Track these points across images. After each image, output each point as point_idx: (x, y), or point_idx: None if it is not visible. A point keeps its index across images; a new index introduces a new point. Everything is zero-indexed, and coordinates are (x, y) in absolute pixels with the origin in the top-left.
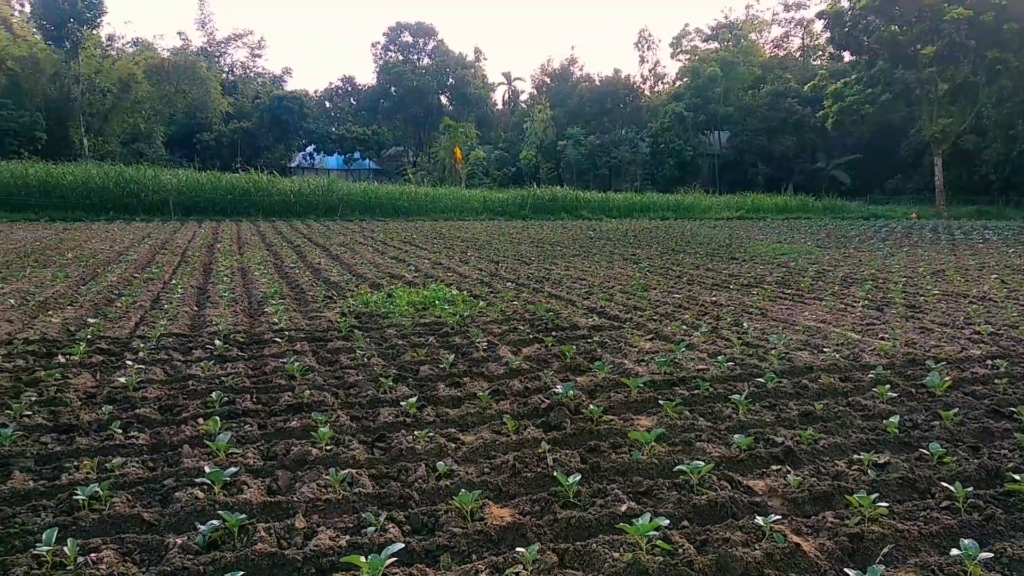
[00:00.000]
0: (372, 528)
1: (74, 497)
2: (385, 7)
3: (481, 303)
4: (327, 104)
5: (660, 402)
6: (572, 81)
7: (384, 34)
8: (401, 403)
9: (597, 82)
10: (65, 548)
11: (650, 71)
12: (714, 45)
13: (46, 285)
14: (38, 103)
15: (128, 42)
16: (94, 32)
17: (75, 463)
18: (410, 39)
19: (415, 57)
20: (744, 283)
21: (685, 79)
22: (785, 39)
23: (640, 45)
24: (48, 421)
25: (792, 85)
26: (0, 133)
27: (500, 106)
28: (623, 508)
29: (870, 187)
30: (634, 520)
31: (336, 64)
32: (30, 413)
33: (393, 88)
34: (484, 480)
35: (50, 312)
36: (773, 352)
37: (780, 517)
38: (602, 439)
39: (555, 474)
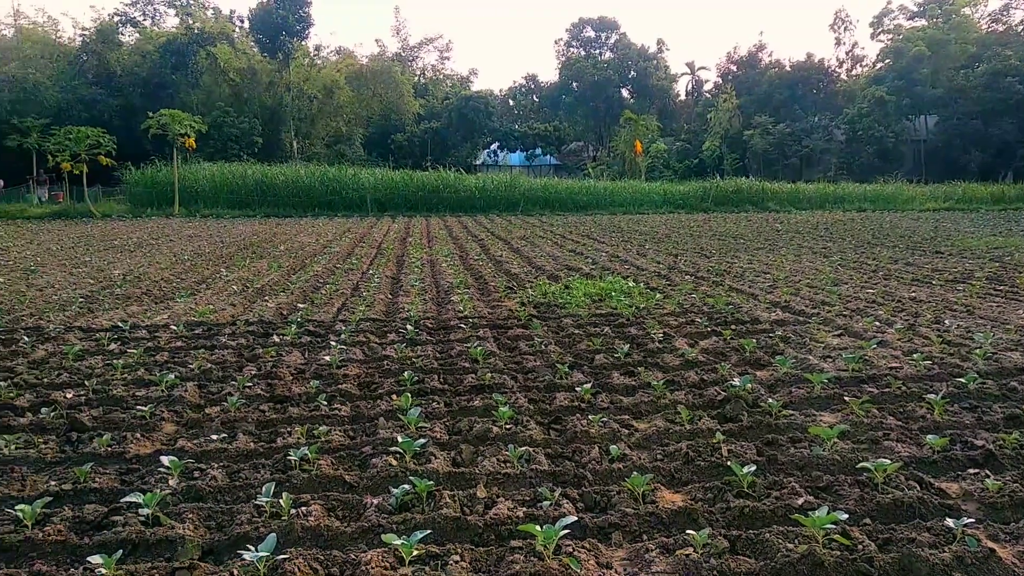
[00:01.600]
0: (547, 502)
1: (287, 458)
2: (569, 5)
3: (658, 295)
4: (510, 102)
5: (846, 399)
6: (760, 68)
7: (567, 30)
8: (576, 389)
9: (787, 68)
10: (281, 500)
11: (847, 53)
12: (921, 23)
13: (263, 274)
14: (255, 110)
15: (332, 51)
16: (303, 43)
17: (288, 429)
18: (592, 34)
19: (597, 52)
20: (949, 279)
21: (887, 60)
22: (1005, 12)
23: (836, 26)
24: (265, 392)
25: (1013, 63)
26: (225, 138)
27: (683, 97)
28: (800, 501)
29: None
30: (810, 513)
31: (520, 63)
32: (251, 385)
33: (575, 84)
34: (656, 465)
35: (266, 297)
36: (978, 352)
37: (974, 521)
38: (780, 433)
39: (729, 464)
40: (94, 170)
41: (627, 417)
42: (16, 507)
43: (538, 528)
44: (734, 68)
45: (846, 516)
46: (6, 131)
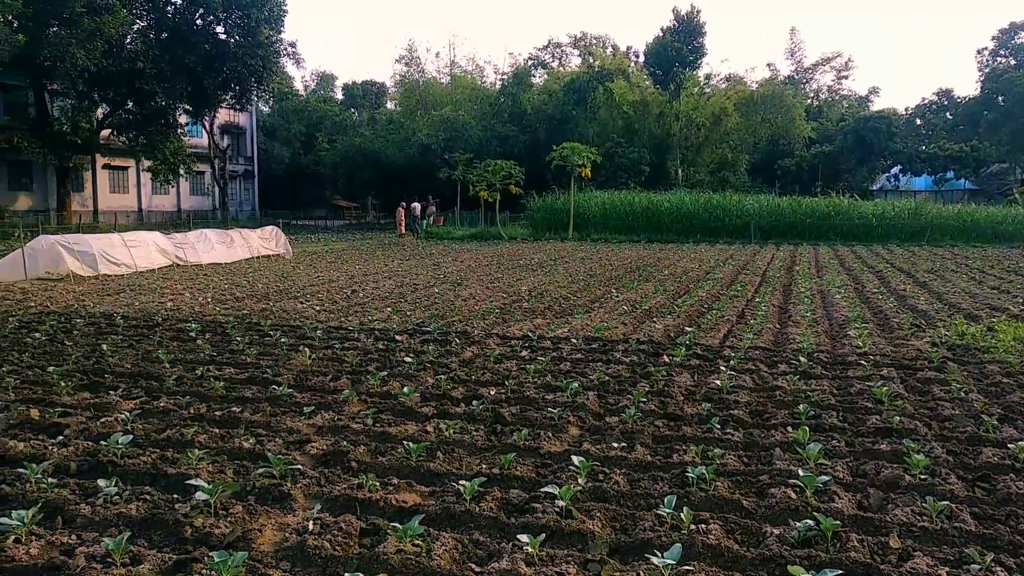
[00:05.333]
0: (976, 566)
1: (685, 474)
2: (996, 11)
3: None
4: (917, 121)
5: None
6: None
7: (992, 38)
8: (1009, 445)
9: None
10: (681, 514)
11: None
12: None
13: (649, 296)
14: (645, 140)
15: (722, 78)
16: (694, 73)
17: (682, 447)
18: None
19: None
20: None
21: None
22: None
23: None
24: (658, 409)
25: None
26: (615, 168)
27: None
28: None
29: None
30: None
31: (931, 78)
32: (645, 400)
33: (1000, 97)
34: None
35: (654, 319)
36: None
37: None
38: None
39: None
40: (504, 197)
41: None
42: (458, 482)
43: None
44: None
45: None
46: (440, 164)
